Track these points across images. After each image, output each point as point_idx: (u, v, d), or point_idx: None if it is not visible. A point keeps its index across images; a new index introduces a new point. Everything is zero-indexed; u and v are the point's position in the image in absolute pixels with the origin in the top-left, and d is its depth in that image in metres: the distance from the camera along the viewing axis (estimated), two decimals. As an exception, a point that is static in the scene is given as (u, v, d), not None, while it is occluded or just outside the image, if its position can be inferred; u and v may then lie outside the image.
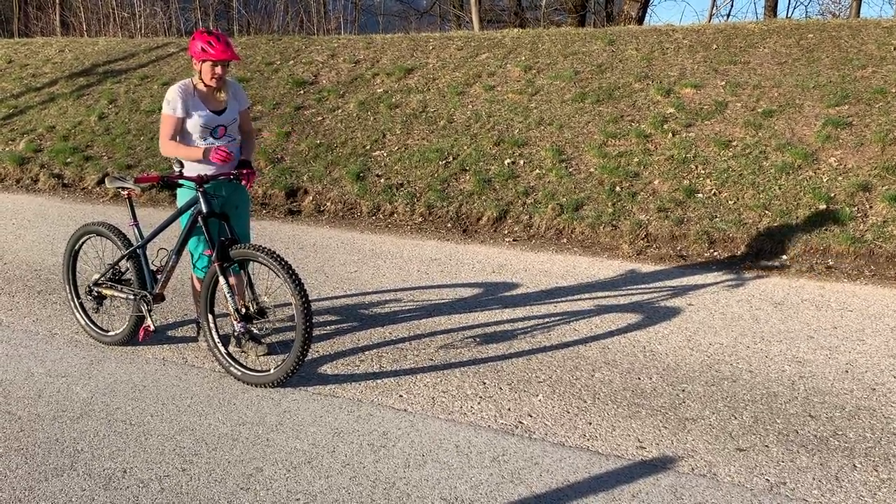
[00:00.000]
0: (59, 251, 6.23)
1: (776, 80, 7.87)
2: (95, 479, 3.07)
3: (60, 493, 2.97)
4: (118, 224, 4.68)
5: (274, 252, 3.78)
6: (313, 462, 3.19)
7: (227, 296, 3.89)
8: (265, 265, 3.79)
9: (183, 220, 4.13)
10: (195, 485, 3.03)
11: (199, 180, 3.92)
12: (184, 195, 4.13)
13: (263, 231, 6.91)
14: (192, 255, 4.23)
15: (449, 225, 7.01)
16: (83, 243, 4.54)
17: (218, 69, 3.93)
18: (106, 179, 4.21)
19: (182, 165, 3.92)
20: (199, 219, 3.94)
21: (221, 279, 3.87)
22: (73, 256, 4.55)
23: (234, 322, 4.06)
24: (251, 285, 3.94)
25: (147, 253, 4.27)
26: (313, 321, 3.79)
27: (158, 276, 4.19)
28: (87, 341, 4.47)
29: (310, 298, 3.84)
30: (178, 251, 4.11)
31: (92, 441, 3.36)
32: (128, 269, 4.33)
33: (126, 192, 4.27)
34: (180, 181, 3.96)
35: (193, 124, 4.00)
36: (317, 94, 9.55)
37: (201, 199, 3.92)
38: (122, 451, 3.28)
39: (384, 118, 8.73)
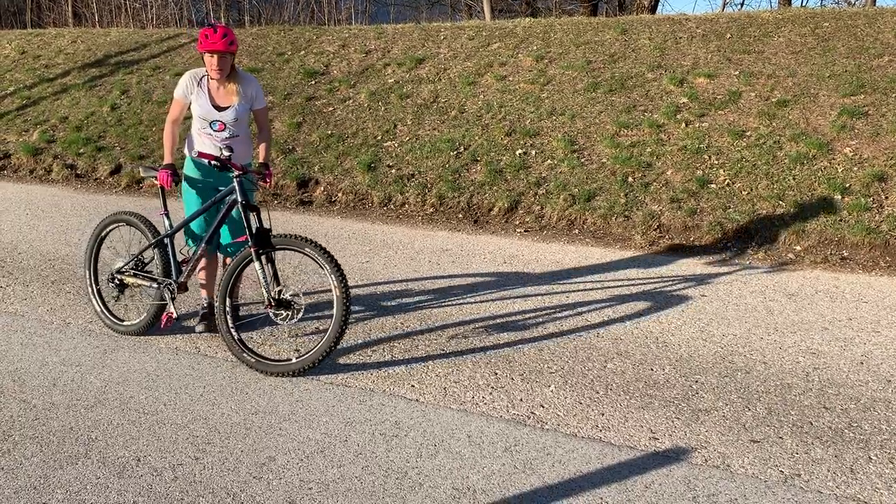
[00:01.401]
0: (73, 241, 6.27)
1: (791, 70, 7.80)
2: (109, 468, 3.09)
3: (75, 481, 3.00)
4: (146, 213, 4.73)
5: (318, 243, 3.83)
6: (326, 451, 3.20)
7: (262, 282, 3.91)
8: (309, 256, 3.83)
9: (214, 211, 4.24)
10: (208, 473, 3.05)
11: (240, 169, 3.99)
12: (187, 185, 4.29)
13: (275, 222, 6.92)
14: (186, 231, 4.33)
15: (460, 215, 7.00)
16: (110, 231, 4.56)
17: (214, 60, 4.01)
18: (140, 169, 4.30)
19: (232, 150, 4.02)
20: (239, 207, 4.00)
21: (256, 264, 3.89)
22: (98, 242, 4.58)
23: (267, 308, 4.00)
24: (276, 275, 3.96)
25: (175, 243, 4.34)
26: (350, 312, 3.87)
27: (184, 267, 4.24)
28: (101, 330, 4.50)
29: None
30: (208, 241, 4.15)
31: (106, 429, 3.38)
32: (152, 259, 4.35)
33: (158, 182, 4.31)
34: (227, 165, 4.04)
35: (195, 112, 4.18)
36: (328, 85, 9.54)
37: (237, 189, 3.98)
38: (135, 439, 3.30)
39: (395, 108, 8.71)
